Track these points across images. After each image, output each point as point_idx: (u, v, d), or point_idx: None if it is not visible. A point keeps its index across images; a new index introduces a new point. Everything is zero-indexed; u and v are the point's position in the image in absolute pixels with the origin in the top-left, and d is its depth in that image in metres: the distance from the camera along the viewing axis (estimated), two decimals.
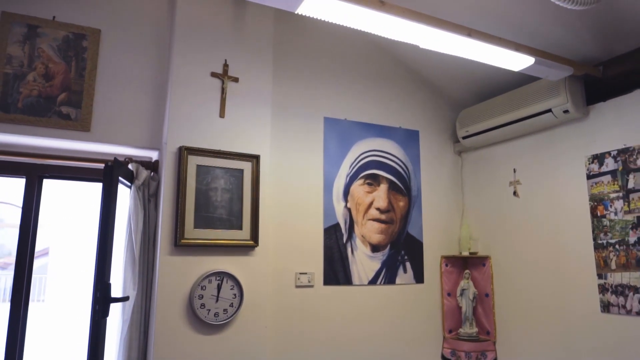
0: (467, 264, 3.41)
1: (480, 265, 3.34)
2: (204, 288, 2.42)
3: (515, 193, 3.18)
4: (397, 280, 3.20)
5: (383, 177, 3.25)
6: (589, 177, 2.73)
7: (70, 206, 8.06)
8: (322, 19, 1.99)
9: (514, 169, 3.20)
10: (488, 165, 3.41)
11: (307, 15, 1.95)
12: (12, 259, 11.93)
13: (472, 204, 3.51)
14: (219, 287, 2.46)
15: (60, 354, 6.28)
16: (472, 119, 3.35)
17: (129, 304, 2.37)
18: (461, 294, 3.31)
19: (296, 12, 1.92)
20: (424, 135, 3.48)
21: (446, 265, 3.39)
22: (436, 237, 3.40)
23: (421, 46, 2.23)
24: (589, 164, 2.73)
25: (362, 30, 2.09)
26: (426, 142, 3.48)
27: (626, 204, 2.53)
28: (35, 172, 2.50)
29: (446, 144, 3.59)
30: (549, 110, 2.81)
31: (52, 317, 8.02)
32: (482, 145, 3.43)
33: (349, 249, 3.06)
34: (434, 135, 3.53)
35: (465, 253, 3.37)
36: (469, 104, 3.51)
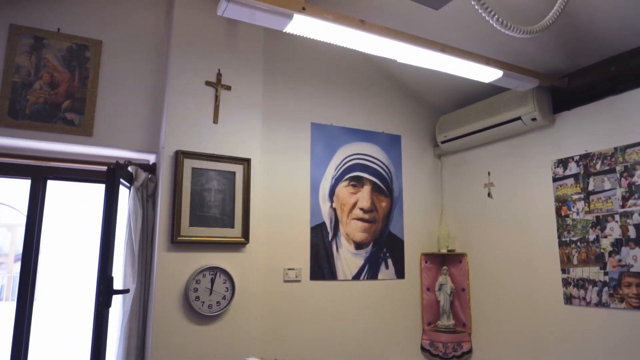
0: (445, 260, 3.63)
1: (458, 262, 3.57)
2: (198, 282, 2.61)
3: (489, 194, 3.41)
4: (380, 276, 3.41)
5: (366, 179, 3.46)
6: (554, 180, 2.96)
7: (58, 207, 8.18)
8: (308, 37, 2.19)
9: (489, 172, 3.43)
10: (465, 168, 3.64)
11: (294, 33, 2.15)
12: (6, 259, 11.98)
13: (450, 205, 3.74)
14: (212, 281, 2.65)
15: (55, 349, 6.42)
16: (450, 125, 3.57)
17: (129, 296, 2.55)
18: (439, 289, 3.53)
19: (284, 31, 2.12)
20: (406, 140, 3.70)
21: (426, 261, 3.61)
22: (416, 236, 3.62)
23: (399, 60, 2.45)
24: (555, 167, 2.97)
25: (345, 46, 2.30)
26: (407, 146, 3.70)
27: (587, 205, 2.77)
28: (40, 174, 2.67)
29: (426, 148, 3.81)
30: (519, 118, 3.04)
31: (44, 314, 8.12)
32: (460, 150, 3.66)
33: (334, 247, 3.27)
34: (415, 140, 3.75)
35: (444, 250, 3.60)
36: (448, 110, 3.74)
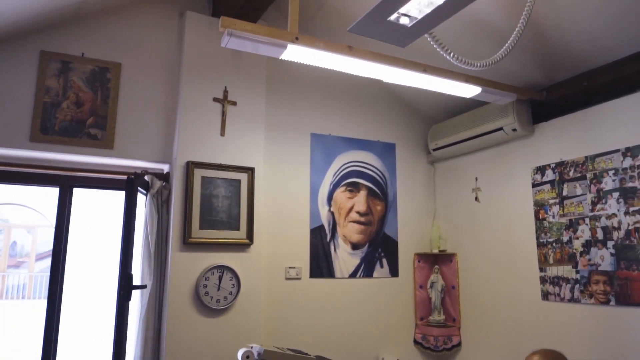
0: (436, 260, 3.90)
1: (448, 262, 3.83)
2: (207, 279, 2.92)
3: (477, 198, 3.67)
4: (375, 274, 3.69)
5: (363, 184, 3.75)
6: (533, 185, 3.22)
7: (83, 212, 8.59)
8: (301, 63, 2.48)
9: (476, 178, 3.69)
10: (455, 174, 3.90)
11: (289, 60, 2.45)
12: (27, 258, 12.49)
13: (442, 208, 4.00)
14: (220, 278, 2.95)
15: (82, 339, 6.78)
16: (440, 133, 3.84)
17: (146, 291, 2.87)
18: (431, 286, 3.80)
19: (280, 58, 2.41)
20: (400, 148, 3.98)
21: (418, 261, 3.88)
22: (410, 237, 3.89)
23: (384, 80, 2.72)
24: (534, 174, 3.22)
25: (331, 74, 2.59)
26: (401, 154, 3.97)
27: (561, 209, 3.02)
28: (67, 182, 3.00)
29: (420, 155, 4.08)
30: (501, 129, 3.30)
31: (72, 308, 8.51)
32: (450, 157, 3.92)
33: (332, 247, 3.55)
34: (408, 148, 4.02)
35: (435, 251, 3.86)
36: (439, 120, 4.00)
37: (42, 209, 10.84)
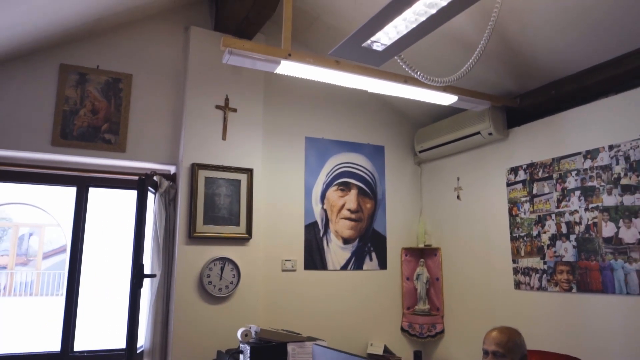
0: (422, 254, 4.20)
1: (433, 255, 4.14)
2: (211, 269, 3.23)
3: (458, 197, 3.98)
4: (364, 267, 4.00)
5: (353, 184, 4.06)
6: (508, 184, 3.52)
7: (98, 209, 8.95)
8: (294, 76, 2.79)
9: (458, 178, 4.00)
10: (439, 175, 4.21)
11: (282, 74, 2.76)
12: (34, 257, 12.83)
13: (427, 206, 4.31)
14: (222, 269, 3.27)
15: (98, 325, 7.10)
16: (426, 136, 4.14)
17: (156, 280, 3.19)
18: (417, 278, 4.11)
19: (275, 72, 2.72)
20: (388, 150, 4.28)
21: (405, 255, 4.19)
22: (397, 232, 4.19)
23: (369, 91, 3.03)
24: (508, 174, 3.53)
25: (324, 82, 2.90)
26: (390, 156, 4.28)
27: (531, 206, 3.32)
28: (83, 182, 3.32)
29: (407, 157, 4.38)
30: (478, 133, 3.60)
31: (88, 296, 8.83)
32: (435, 158, 4.23)
33: (325, 242, 3.86)
34: (396, 150, 4.33)
35: (421, 245, 4.17)
36: (425, 124, 4.30)
37: (50, 208, 11.16)
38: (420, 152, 4.21)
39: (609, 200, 2.83)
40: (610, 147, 2.85)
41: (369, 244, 4.05)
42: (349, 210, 4.00)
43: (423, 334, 3.98)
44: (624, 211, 2.74)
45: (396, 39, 1.85)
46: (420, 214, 4.34)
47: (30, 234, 13.46)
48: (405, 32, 1.80)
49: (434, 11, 1.68)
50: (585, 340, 2.88)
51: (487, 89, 3.48)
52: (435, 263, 4.11)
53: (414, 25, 1.78)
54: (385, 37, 1.85)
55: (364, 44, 1.89)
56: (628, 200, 2.73)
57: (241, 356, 2.67)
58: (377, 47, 1.92)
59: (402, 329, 4.06)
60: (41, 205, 11.06)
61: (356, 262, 3.97)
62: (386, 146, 4.29)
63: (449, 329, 3.96)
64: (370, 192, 4.12)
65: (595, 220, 2.90)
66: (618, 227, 2.77)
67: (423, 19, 1.73)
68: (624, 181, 2.76)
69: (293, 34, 3.70)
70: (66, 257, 11.63)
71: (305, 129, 3.95)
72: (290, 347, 2.64)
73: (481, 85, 3.45)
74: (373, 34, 1.82)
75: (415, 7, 1.67)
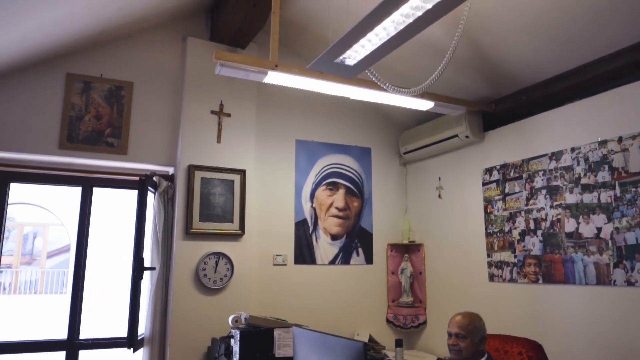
0: (407, 249, 4.45)
1: (417, 251, 4.39)
2: (206, 263, 3.48)
3: (439, 196, 4.23)
4: (352, 262, 4.25)
5: (341, 184, 4.31)
6: (483, 184, 3.77)
7: (102, 208, 9.25)
8: (281, 85, 3.05)
9: (439, 178, 4.25)
10: (423, 175, 4.46)
11: (271, 83, 3.01)
12: (38, 256, 13.10)
13: (412, 204, 4.56)
14: (216, 263, 3.52)
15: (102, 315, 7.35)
16: (410, 139, 4.40)
17: (155, 273, 3.44)
18: (401, 272, 4.36)
19: (263, 82, 2.98)
20: (375, 151, 4.54)
21: (391, 250, 4.44)
22: (383, 229, 4.45)
23: (351, 97, 3.29)
24: (484, 175, 3.78)
25: (310, 90, 3.16)
26: (376, 157, 4.54)
27: (504, 204, 3.57)
28: (88, 183, 3.58)
29: (393, 158, 4.64)
30: (456, 136, 3.85)
31: (93, 290, 9.10)
32: (419, 159, 4.48)
33: (314, 238, 4.12)
34: (382, 151, 4.58)
35: (406, 241, 4.42)
36: (409, 127, 4.55)
37: (54, 208, 11.43)
38: (405, 153, 4.46)
39: (570, 198, 3.08)
40: (572, 150, 3.10)
41: (356, 240, 4.30)
42: (337, 208, 4.25)
43: (407, 324, 4.23)
44: (583, 208, 2.99)
45: (365, 54, 2.11)
46: (406, 212, 4.59)
47: (35, 234, 13.75)
48: (372, 49, 2.06)
49: (394, 33, 1.93)
50: (549, 327, 3.13)
51: (464, 95, 3.73)
52: (418, 258, 4.37)
53: (380, 43, 2.03)
54: (354, 54, 2.11)
55: (337, 60, 2.14)
56: (587, 198, 2.98)
57: (232, 340, 2.92)
58: (349, 62, 2.17)
59: (387, 320, 4.31)
60: (45, 205, 11.32)
61: (344, 257, 4.22)
62: (373, 148, 4.54)
63: (431, 320, 4.21)
64: (357, 192, 4.38)
65: (559, 216, 3.15)
66: (578, 223, 3.02)
67: (387, 38, 1.98)
68: (583, 181, 3.01)
69: (284, 43, 3.98)
70: (69, 256, 11.91)
71: (295, 132, 4.21)
72: (276, 332, 2.90)
73: (460, 91, 3.70)
74: (344, 52, 2.08)
75: (384, 23, 1.90)
